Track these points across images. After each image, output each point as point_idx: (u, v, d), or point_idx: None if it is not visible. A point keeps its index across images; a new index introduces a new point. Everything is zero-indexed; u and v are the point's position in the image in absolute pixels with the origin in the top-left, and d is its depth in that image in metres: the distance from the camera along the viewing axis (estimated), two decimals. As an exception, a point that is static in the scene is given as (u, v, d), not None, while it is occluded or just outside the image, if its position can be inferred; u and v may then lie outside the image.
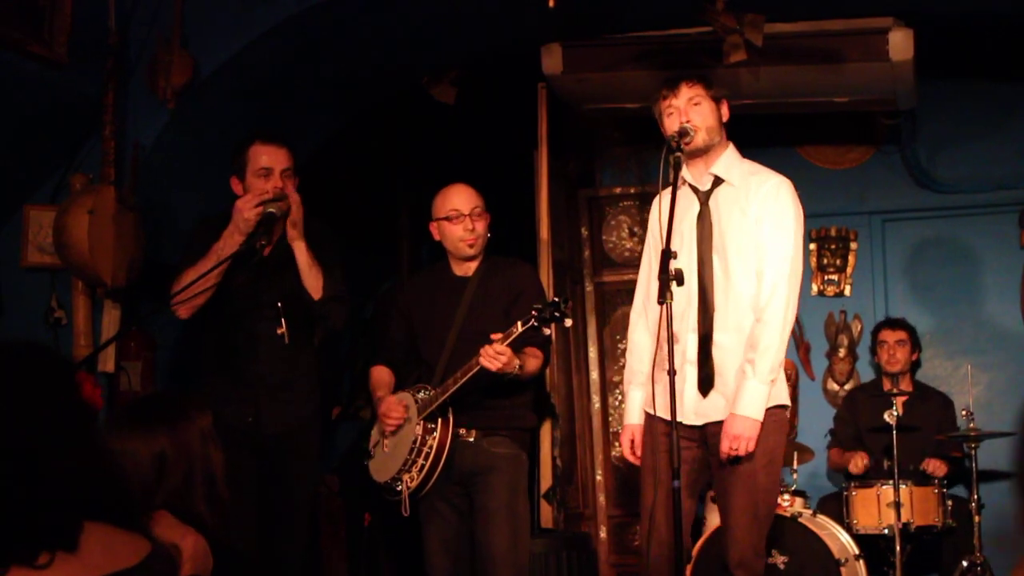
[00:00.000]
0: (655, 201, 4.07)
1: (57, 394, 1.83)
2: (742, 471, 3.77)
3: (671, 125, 3.87)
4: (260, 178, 4.12)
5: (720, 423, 3.79)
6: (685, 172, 3.88)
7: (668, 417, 3.58)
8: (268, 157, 4.14)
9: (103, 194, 4.56)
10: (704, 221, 3.84)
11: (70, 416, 1.83)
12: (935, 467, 5.60)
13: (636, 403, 4.03)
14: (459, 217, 4.26)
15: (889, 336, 6.01)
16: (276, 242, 4.20)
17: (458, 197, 4.29)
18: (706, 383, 3.79)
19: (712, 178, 3.89)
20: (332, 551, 6.07)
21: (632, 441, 3.99)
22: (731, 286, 3.81)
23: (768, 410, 3.79)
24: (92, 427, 1.86)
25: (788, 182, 3.90)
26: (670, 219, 3.58)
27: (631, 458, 4.01)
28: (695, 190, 3.87)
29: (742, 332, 3.80)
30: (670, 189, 3.86)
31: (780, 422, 3.89)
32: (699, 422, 3.82)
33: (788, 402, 3.93)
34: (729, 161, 3.92)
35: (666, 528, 3.72)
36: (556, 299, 3.85)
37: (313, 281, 4.14)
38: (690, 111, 3.84)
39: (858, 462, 5.72)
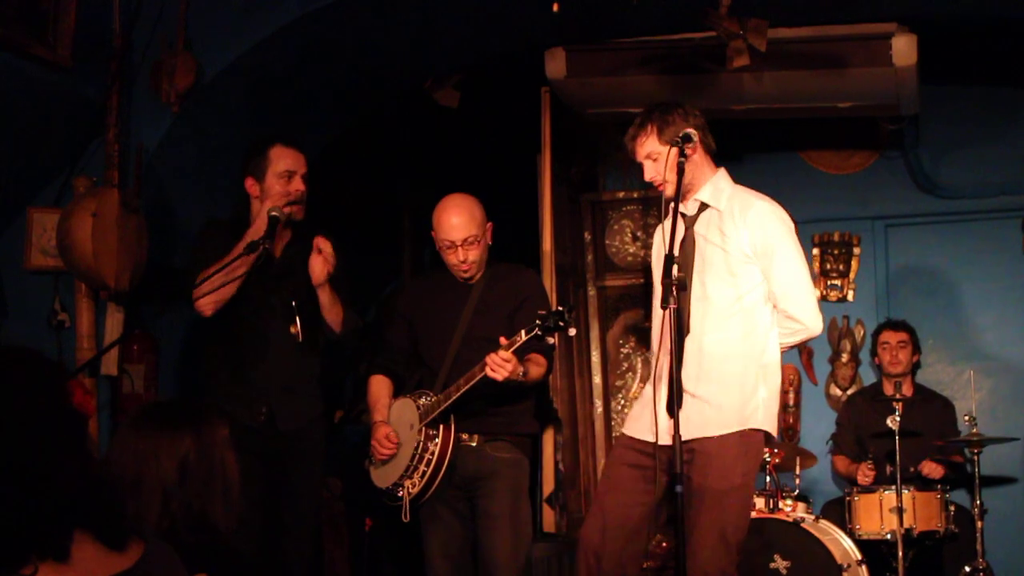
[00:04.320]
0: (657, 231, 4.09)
1: (48, 400, 1.83)
2: (712, 488, 3.67)
3: (646, 175, 3.87)
4: (282, 180, 4.14)
5: (688, 441, 3.65)
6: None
7: (640, 436, 3.73)
8: (290, 160, 4.16)
9: (107, 197, 4.56)
10: (688, 245, 3.82)
11: (61, 422, 1.83)
12: (931, 469, 5.60)
13: None
14: (452, 248, 4.23)
15: (891, 337, 6.01)
16: (285, 247, 4.22)
17: (451, 227, 4.20)
18: (670, 405, 3.61)
19: (698, 204, 3.87)
20: (335, 553, 6.07)
21: None
22: (709, 309, 3.78)
23: (747, 431, 3.74)
24: (83, 434, 1.87)
25: (771, 202, 3.88)
26: (673, 223, 3.57)
27: None
28: (682, 216, 3.82)
29: (720, 352, 3.75)
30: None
31: (757, 446, 3.80)
32: (668, 441, 3.61)
33: (772, 431, 3.81)
34: (715, 186, 3.88)
35: (593, 532, 3.77)
36: (560, 308, 3.83)
37: (334, 317, 4.21)
38: (650, 167, 3.84)
39: (865, 472, 5.70)
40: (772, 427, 3.82)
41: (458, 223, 4.20)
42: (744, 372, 3.77)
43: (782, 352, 3.89)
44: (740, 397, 3.75)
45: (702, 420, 3.72)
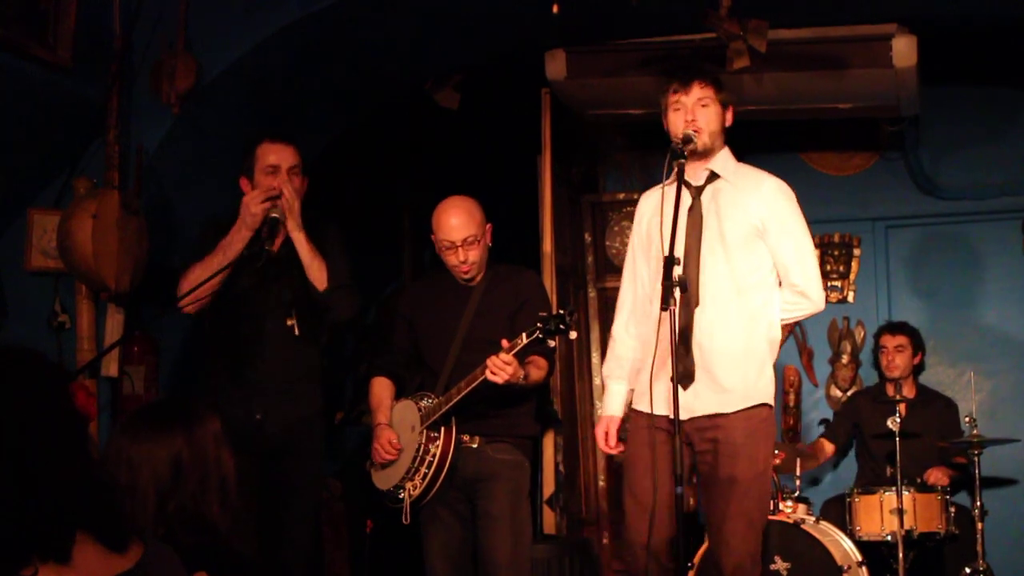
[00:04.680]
0: (642, 199, 4.10)
1: (49, 401, 1.83)
2: (741, 478, 3.75)
3: (675, 120, 3.87)
4: (268, 175, 4.15)
5: (709, 417, 3.77)
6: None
7: (664, 412, 3.66)
8: (275, 155, 4.17)
9: (107, 198, 4.56)
10: (695, 215, 3.84)
11: (62, 424, 1.83)
12: (937, 477, 5.60)
13: (617, 396, 4.03)
14: (452, 248, 4.24)
15: (889, 342, 6.02)
16: (283, 243, 4.22)
17: (450, 228, 4.21)
18: (685, 377, 3.73)
19: (707, 174, 3.90)
20: (335, 554, 6.07)
21: (607, 433, 3.99)
22: (719, 280, 3.80)
23: (761, 408, 3.80)
24: (84, 436, 1.86)
25: (782, 181, 3.94)
26: (673, 224, 3.57)
27: (607, 449, 4.02)
28: (688, 186, 3.86)
29: (730, 326, 3.79)
30: (659, 189, 3.91)
31: (769, 424, 3.86)
32: (682, 416, 3.68)
33: (772, 402, 3.86)
34: (724, 159, 3.93)
35: (665, 528, 3.72)
36: (561, 311, 3.84)
37: (316, 272, 4.15)
38: (697, 111, 3.84)
39: (825, 447, 5.78)
40: (771, 400, 3.90)
41: (457, 224, 4.21)
42: (757, 347, 3.82)
43: (784, 329, 3.96)
44: (752, 371, 3.81)
45: (718, 396, 3.78)
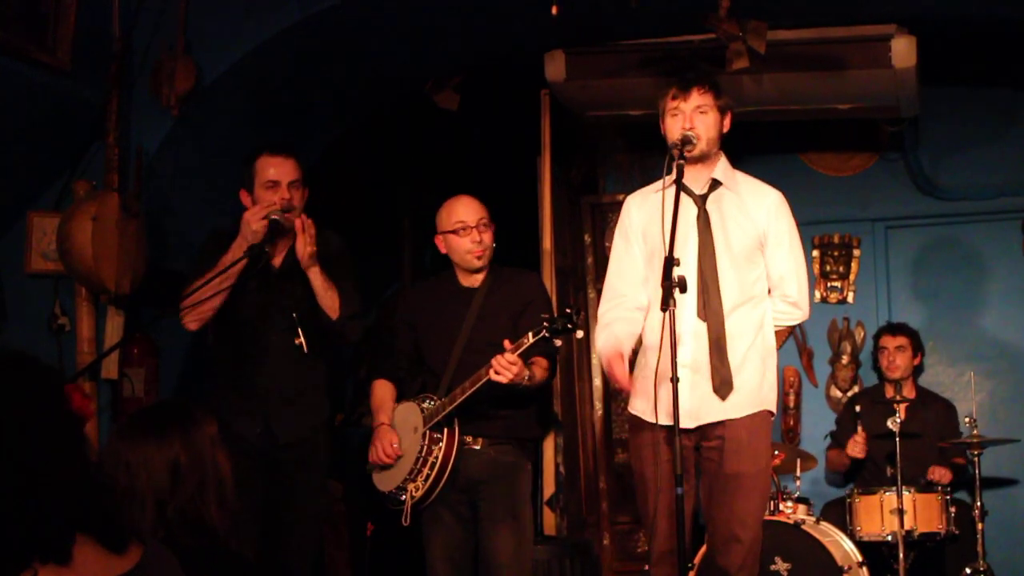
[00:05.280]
0: (628, 202, 4.07)
1: (45, 403, 1.83)
2: (744, 471, 3.78)
3: (673, 126, 3.86)
4: (268, 190, 4.12)
5: (719, 424, 3.79)
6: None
7: (670, 423, 3.58)
8: (275, 169, 4.13)
9: (107, 200, 4.56)
10: (704, 223, 3.84)
11: (59, 425, 1.83)
12: (940, 475, 5.60)
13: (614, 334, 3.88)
14: (466, 229, 4.24)
15: (889, 342, 6.01)
16: (287, 254, 4.20)
17: (464, 209, 4.27)
18: (725, 386, 3.77)
19: (710, 182, 3.90)
20: (336, 555, 6.07)
21: (612, 363, 3.80)
22: (737, 286, 3.82)
23: (764, 412, 3.87)
24: (81, 437, 1.87)
25: (780, 193, 3.99)
26: (673, 225, 3.57)
27: (623, 383, 3.81)
28: (690, 193, 3.86)
29: (735, 335, 3.81)
30: (652, 192, 3.93)
31: (769, 425, 3.94)
32: (692, 424, 3.77)
33: (774, 409, 3.93)
34: (725, 166, 3.95)
35: (666, 540, 3.72)
36: (568, 310, 3.84)
37: (330, 303, 4.13)
38: (695, 118, 3.83)
39: (857, 440, 5.72)
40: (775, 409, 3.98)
41: (471, 205, 4.28)
42: (760, 353, 3.88)
43: (778, 336, 4.03)
44: (758, 378, 3.86)
45: (728, 402, 3.80)
